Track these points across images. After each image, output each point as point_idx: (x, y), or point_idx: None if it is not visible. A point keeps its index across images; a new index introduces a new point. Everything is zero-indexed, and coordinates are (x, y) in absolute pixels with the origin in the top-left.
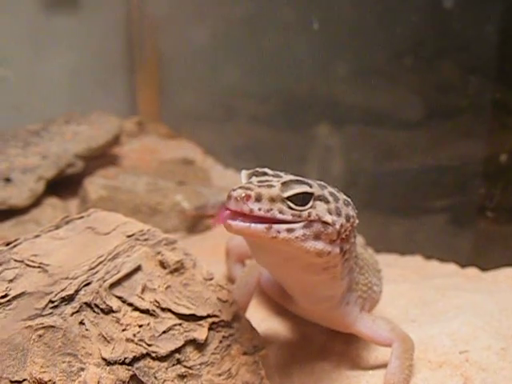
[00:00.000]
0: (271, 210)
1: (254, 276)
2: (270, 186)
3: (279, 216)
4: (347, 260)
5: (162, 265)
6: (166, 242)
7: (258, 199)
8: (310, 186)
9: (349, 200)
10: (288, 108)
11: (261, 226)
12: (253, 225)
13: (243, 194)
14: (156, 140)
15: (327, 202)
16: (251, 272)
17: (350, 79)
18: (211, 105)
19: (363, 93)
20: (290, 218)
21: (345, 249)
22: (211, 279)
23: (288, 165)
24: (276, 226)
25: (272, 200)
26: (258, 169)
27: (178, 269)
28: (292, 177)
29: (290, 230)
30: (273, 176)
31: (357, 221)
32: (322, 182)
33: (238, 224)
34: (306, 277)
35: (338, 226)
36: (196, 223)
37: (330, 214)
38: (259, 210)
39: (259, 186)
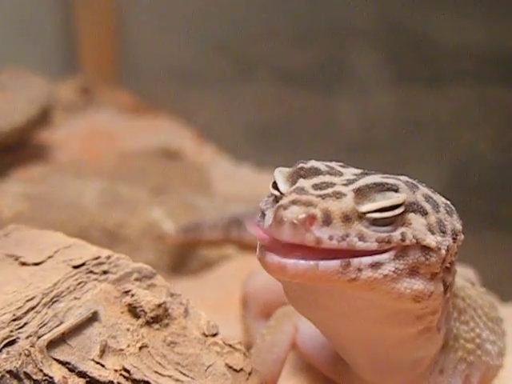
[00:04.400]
0: (347, 236)
1: (286, 333)
2: (339, 196)
3: (360, 245)
4: (448, 300)
5: (133, 312)
6: (138, 275)
7: (327, 221)
8: (397, 189)
9: (449, 204)
10: (340, 56)
11: (334, 264)
12: (322, 263)
13: (303, 215)
14: (113, 117)
15: (424, 213)
16: (281, 326)
17: None
18: (207, 56)
19: None
20: (374, 246)
21: (447, 283)
22: (215, 335)
23: (344, 152)
24: (356, 262)
25: (347, 220)
26: (302, 164)
27: (158, 318)
28: (362, 174)
29: (376, 266)
30: (331, 174)
31: (462, 236)
32: (406, 177)
33: (299, 264)
34: (384, 332)
35: (443, 251)
36: (185, 257)
37: (432, 232)
38: (330, 239)
39: (322, 198)
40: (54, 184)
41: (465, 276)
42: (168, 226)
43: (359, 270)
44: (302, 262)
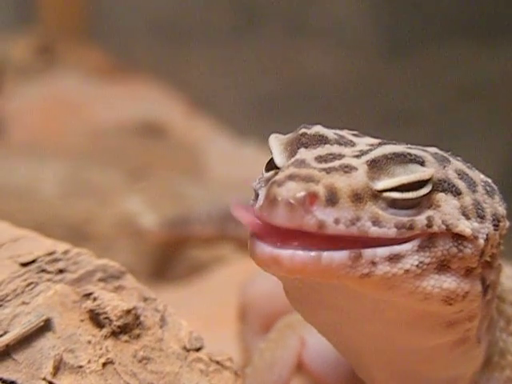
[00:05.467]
0: (358, 220)
1: (290, 348)
2: (348, 170)
3: (373, 231)
4: (489, 303)
5: (96, 320)
6: (102, 274)
7: (332, 200)
8: (423, 162)
9: (490, 183)
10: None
11: (341, 256)
12: (325, 254)
13: (302, 193)
14: (81, 82)
15: (457, 192)
16: (284, 340)
17: None
18: (200, 3)
19: None
20: (392, 232)
21: (488, 281)
22: (199, 349)
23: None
24: (369, 253)
25: (357, 199)
26: (305, 129)
27: (128, 327)
28: (379, 143)
29: (394, 259)
30: (340, 144)
31: (507, 224)
32: (435, 149)
33: (297, 256)
34: (408, 343)
35: (482, 241)
36: (170, 259)
37: (467, 217)
38: (336, 223)
39: (326, 171)
40: (4, 167)
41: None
42: (148, 219)
43: (373, 263)
44: (301, 252)
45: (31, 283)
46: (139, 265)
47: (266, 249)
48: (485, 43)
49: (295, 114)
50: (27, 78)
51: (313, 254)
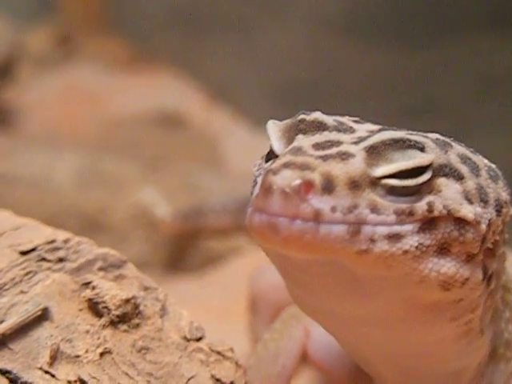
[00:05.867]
0: (355, 207)
1: (294, 339)
2: (345, 157)
3: (372, 218)
4: (493, 294)
5: (94, 309)
6: (102, 263)
7: (328, 188)
8: (422, 148)
9: (494, 168)
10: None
11: (340, 228)
12: (324, 226)
13: (298, 181)
14: (99, 72)
15: (460, 177)
16: (289, 331)
17: None
18: None
19: None
20: (392, 219)
21: (491, 270)
22: (199, 339)
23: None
24: (368, 229)
25: (355, 186)
26: (303, 116)
27: (126, 317)
28: (379, 129)
29: (394, 238)
30: (339, 131)
31: (511, 210)
32: (437, 135)
33: (295, 224)
34: (412, 336)
35: (484, 226)
36: (184, 251)
37: (470, 201)
38: (333, 211)
39: (323, 159)
40: (20, 159)
41: None
42: (163, 210)
43: (372, 240)
44: (299, 221)
45: (30, 272)
46: (154, 256)
47: (263, 217)
48: (506, 34)
49: (315, 105)
50: (46, 69)
51: (311, 223)
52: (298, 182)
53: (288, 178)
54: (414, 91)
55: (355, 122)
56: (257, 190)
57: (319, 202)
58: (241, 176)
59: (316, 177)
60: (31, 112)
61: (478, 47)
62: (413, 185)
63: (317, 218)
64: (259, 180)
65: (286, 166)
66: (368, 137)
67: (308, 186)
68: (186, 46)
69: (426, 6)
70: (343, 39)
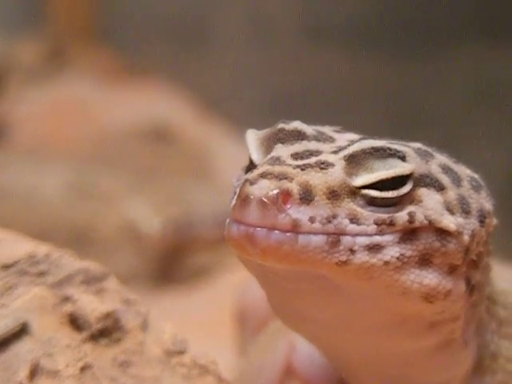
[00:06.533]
0: (334, 217)
1: (279, 352)
2: (324, 167)
3: (351, 228)
4: (474, 305)
5: (75, 323)
6: (84, 276)
7: (307, 198)
8: (403, 157)
9: (477, 178)
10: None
11: (318, 239)
12: (302, 236)
13: (275, 191)
14: (89, 85)
15: (440, 187)
16: (274, 344)
17: None
18: (212, 3)
19: None
20: (372, 229)
21: (473, 282)
22: (182, 353)
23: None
24: (348, 240)
25: (334, 196)
26: (283, 125)
27: (107, 331)
28: (359, 138)
29: (374, 249)
30: (319, 140)
31: (495, 221)
32: (419, 144)
33: (273, 235)
34: (393, 346)
35: (467, 237)
36: (172, 263)
37: (451, 212)
38: (311, 221)
39: (301, 168)
40: (8, 171)
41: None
42: (152, 224)
43: (352, 251)
44: (277, 232)
45: (11, 287)
46: (142, 269)
47: (241, 228)
48: (496, 46)
49: (306, 117)
50: (36, 82)
51: (289, 234)
52: (275, 191)
53: (265, 188)
54: (404, 103)
55: (336, 131)
56: (234, 200)
57: (297, 212)
58: (231, 189)
59: (294, 186)
60: (21, 125)
61: (467, 59)
62: (394, 196)
63: (295, 228)
64: (237, 191)
65: (264, 175)
66: (348, 146)
67: (286, 195)
68: (176, 58)
69: (415, 19)
70: (334, 52)
